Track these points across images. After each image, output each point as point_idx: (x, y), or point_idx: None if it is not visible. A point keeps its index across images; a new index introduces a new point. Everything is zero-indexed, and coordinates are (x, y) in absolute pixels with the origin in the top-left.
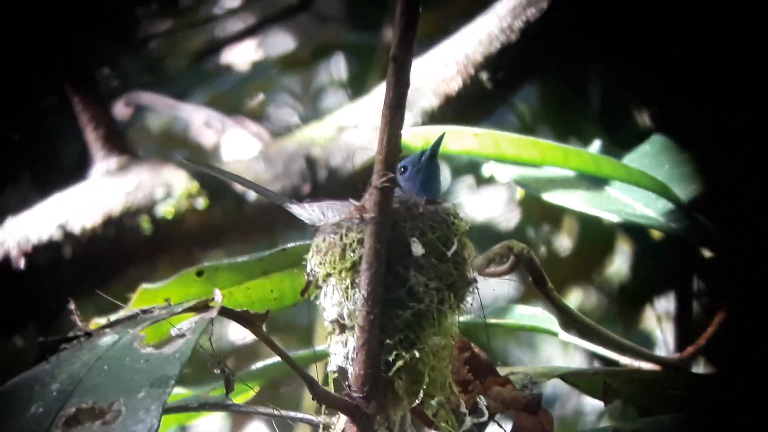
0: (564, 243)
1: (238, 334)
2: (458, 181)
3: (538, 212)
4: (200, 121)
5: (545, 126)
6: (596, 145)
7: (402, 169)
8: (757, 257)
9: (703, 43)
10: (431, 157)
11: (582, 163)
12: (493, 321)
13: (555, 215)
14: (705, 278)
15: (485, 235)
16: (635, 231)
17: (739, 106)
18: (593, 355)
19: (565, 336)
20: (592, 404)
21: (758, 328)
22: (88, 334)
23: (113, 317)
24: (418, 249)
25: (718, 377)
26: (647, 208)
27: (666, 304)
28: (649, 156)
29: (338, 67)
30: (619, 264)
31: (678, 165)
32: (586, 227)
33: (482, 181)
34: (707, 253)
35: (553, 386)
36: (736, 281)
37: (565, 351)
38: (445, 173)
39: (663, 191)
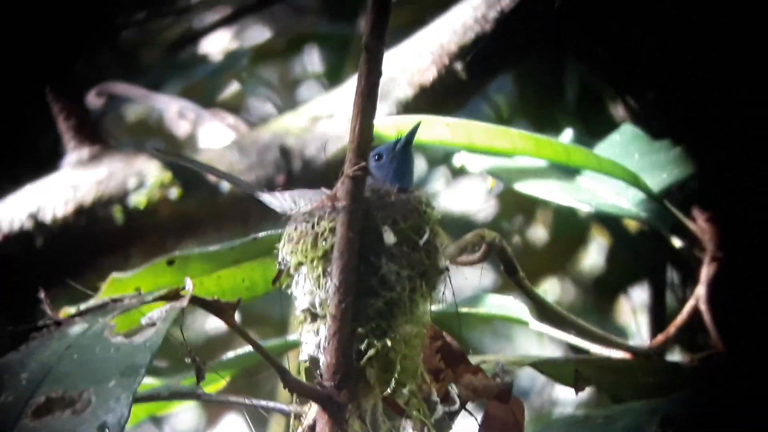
0: (539, 235)
1: (212, 323)
2: (434, 172)
3: (513, 204)
4: (174, 111)
5: (521, 117)
6: (568, 134)
7: (376, 157)
8: (732, 245)
9: (676, 35)
10: (405, 146)
11: (553, 152)
12: (465, 310)
13: (530, 207)
14: (678, 268)
15: (461, 226)
16: (610, 222)
17: (713, 95)
18: (567, 347)
19: (536, 325)
20: (567, 394)
21: (731, 315)
22: (58, 323)
23: (83, 306)
24: (390, 237)
25: (688, 364)
26: (618, 198)
27: (641, 294)
28: (619, 145)
29: (313, 58)
30: (594, 255)
31: (648, 154)
32: (561, 219)
33: (458, 173)
34: (678, 243)
35: (530, 377)
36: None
37: (540, 342)
38: (420, 164)
39: (633, 181)
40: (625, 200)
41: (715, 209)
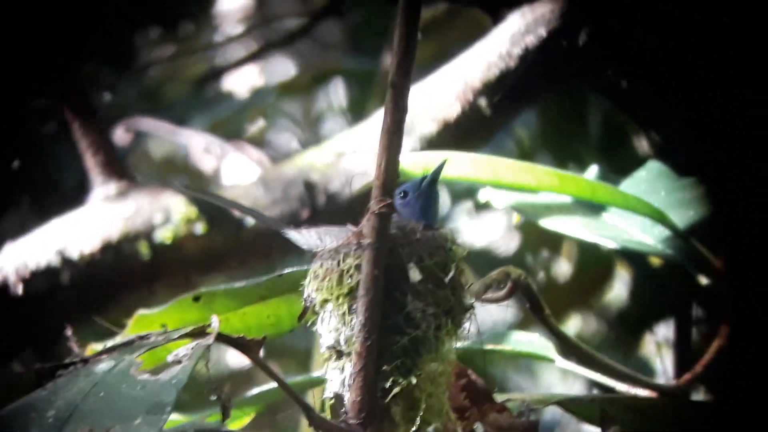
0: (563, 269)
1: (235, 358)
2: (457, 206)
3: (537, 238)
4: (200, 147)
5: (544, 152)
6: (593, 170)
7: (402, 194)
8: (756, 283)
9: (700, 69)
10: (432, 183)
11: (578, 189)
12: (490, 347)
13: (554, 241)
14: (704, 305)
15: (484, 260)
16: (634, 257)
17: (737, 130)
18: (592, 383)
19: (561, 362)
20: None
21: (756, 355)
22: (85, 361)
23: (110, 343)
24: (415, 275)
25: (715, 404)
26: (644, 235)
27: (665, 331)
28: (645, 182)
29: (338, 93)
30: (618, 290)
31: (674, 191)
32: (585, 253)
33: (481, 207)
34: (704, 280)
35: (553, 413)
36: (734, 308)
37: (565, 378)
38: (444, 198)
39: (659, 217)
40: (650, 237)
41: (731, 248)
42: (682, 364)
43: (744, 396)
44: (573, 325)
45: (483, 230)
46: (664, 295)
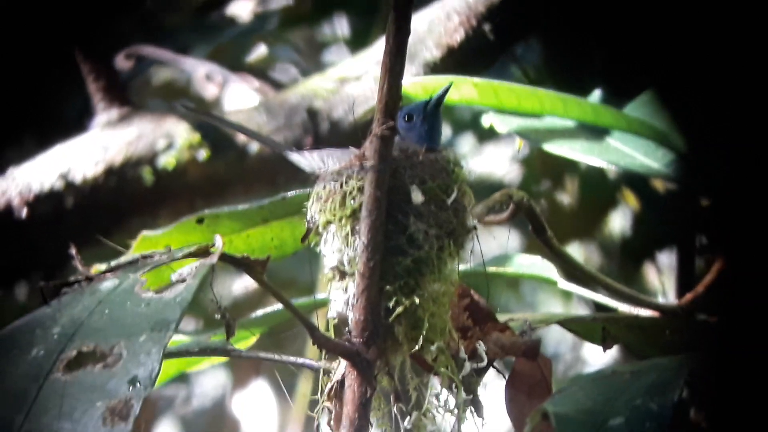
0: (565, 200)
1: (237, 288)
2: (459, 137)
3: (540, 169)
4: (202, 74)
5: (548, 82)
6: (597, 94)
7: (406, 117)
8: (756, 204)
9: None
10: (437, 106)
11: (582, 112)
12: (492, 269)
13: (558, 172)
14: (706, 231)
15: (486, 191)
16: (637, 185)
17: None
18: (594, 310)
19: (564, 284)
20: (594, 357)
21: (757, 274)
22: (90, 279)
23: (114, 263)
24: (417, 196)
25: (717, 322)
26: (647, 158)
27: (668, 259)
28: (649, 105)
29: (341, 23)
30: (621, 220)
31: None
32: (588, 184)
33: (484, 138)
34: (706, 202)
35: (556, 342)
36: (734, 227)
37: (566, 307)
38: (445, 130)
39: (663, 140)
40: (654, 160)
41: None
42: (683, 290)
43: (746, 315)
44: (575, 255)
45: (485, 162)
46: (666, 224)
